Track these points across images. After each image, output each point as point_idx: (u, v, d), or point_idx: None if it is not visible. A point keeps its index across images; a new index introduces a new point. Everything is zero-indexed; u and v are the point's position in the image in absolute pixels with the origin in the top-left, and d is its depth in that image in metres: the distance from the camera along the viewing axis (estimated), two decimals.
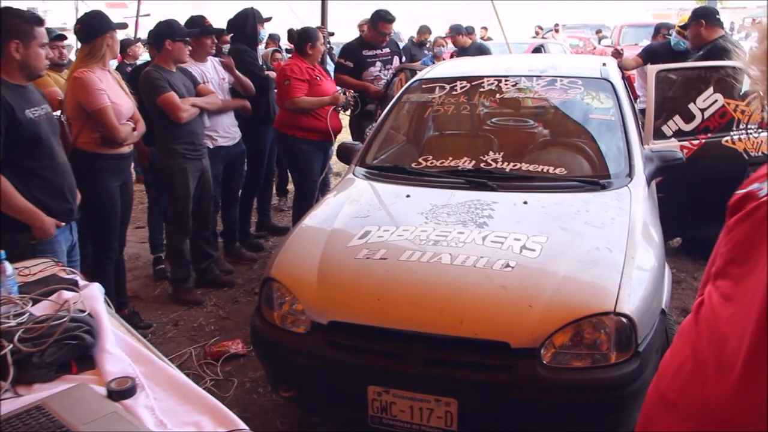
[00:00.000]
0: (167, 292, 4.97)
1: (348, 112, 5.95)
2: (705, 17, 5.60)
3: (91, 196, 3.58)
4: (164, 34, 4.36)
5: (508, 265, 2.67)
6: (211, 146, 4.93)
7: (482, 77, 4.18)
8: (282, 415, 3.41)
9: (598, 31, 21.55)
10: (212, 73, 5.01)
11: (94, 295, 2.18)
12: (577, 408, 2.52)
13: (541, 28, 20.54)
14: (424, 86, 4.34)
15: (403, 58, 6.87)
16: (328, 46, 7.02)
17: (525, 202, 3.21)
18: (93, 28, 3.77)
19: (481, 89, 4.11)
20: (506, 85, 4.10)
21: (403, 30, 17.72)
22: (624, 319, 2.49)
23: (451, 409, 2.52)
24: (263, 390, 3.60)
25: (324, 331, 2.73)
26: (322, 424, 3.27)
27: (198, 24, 4.85)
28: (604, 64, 4.36)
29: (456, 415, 2.52)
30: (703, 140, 4.68)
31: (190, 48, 4.55)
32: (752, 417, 1.24)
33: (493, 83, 4.11)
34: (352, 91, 5.62)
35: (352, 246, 2.94)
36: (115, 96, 3.78)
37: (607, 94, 3.95)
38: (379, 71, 6.22)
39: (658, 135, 4.68)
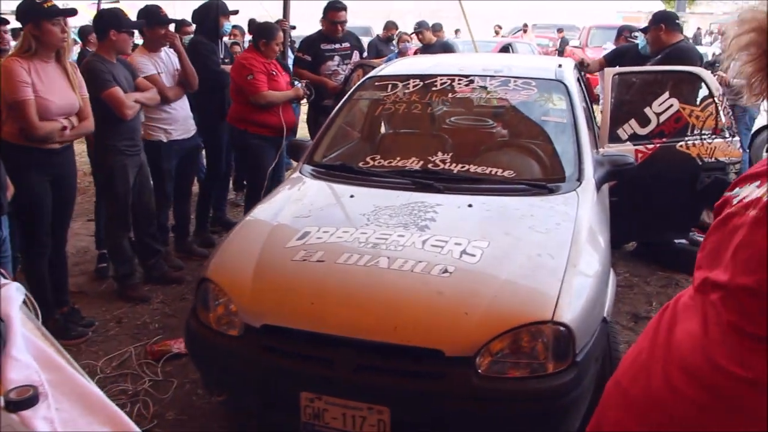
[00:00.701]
0: (113, 288, 4.82)
1: (304, 101, 5.89)
2: (665, 21, 5.60)
3: (15, 189, 3.41)
4: (109, 23, 4.21)
5: (446, 271, 2.60)
6: (165, 140, 4.82)
7: (435, 76, 4.10)
8: (220, 418, 3.32)
9: (560, 30, 21.61)
10: (166, 63, 4.88)
11: (7, 296, 2.06)
12: (512, 418, 2.46)
13: (500, 27, 20.57)
14: (376, 83, 4.23)
15: (365, 54, 6.78)
16: (289, 39, 6.92)
17: (470, 205, 3.13)
18: (18, 17, 3.60)
19: (434, 88, 4.03)
20: (459, 84, 4.02)
21: (375, 26, 17.69)
22: (562, 328, 2.44)
23: (383, 417, 2.45)
24: (203, 392, 3.49)
25: (257, 334, 2.65)
26: (260, 429, 3.19)
27: (152, 13, 4.70)
28: (559, 66, 4.29)
29: (389, 424, 2.45)
30: (658, 145, 4.66)
31: (133, 41, 4.41)
32: (686, 408, 1.30)
33: (446, 82, 4.03)
34: (305, 81, 5.56)
35: (289, 247, 2.86)
36: (47, 91, 3.60)
37: (561, 96, 3.88)
38: (338, 65, 6.13)
39: (614, 138, 4.66)
